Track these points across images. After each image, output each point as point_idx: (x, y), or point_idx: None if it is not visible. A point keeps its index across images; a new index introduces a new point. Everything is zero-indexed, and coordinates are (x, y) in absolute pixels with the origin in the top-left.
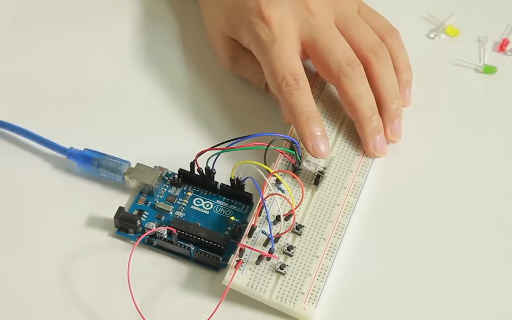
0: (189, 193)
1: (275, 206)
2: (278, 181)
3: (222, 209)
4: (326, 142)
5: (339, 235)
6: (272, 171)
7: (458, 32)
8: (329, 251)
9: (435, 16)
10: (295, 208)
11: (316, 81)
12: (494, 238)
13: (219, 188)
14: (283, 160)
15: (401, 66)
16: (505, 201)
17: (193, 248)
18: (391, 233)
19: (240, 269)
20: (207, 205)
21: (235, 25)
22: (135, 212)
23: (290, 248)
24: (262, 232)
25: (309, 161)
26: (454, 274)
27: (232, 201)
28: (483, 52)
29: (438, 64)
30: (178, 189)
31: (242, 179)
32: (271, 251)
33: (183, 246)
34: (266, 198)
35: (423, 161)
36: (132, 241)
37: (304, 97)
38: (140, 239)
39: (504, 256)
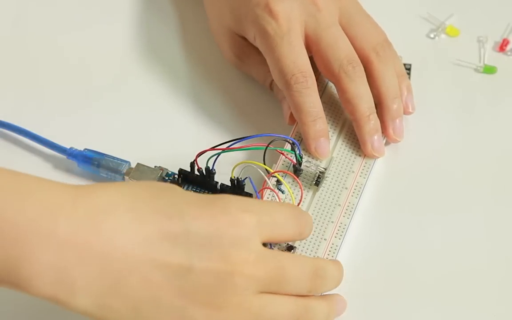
0: None
1: None
2: (279, 182)
3: None
4: (328, 143)
5: (340, 235)
6: (272, 171)
7: (458, 32)
8: (330, 251)
9: (435, 16)
10: None
11: (318, 82)
12: (496, 244)
13: (219, 188)
14: (284, 161)
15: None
16: (506, 202)
17: None
18: (393, 233)
19: None
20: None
21: (241, 19)
22: None
23: (290, 248)
24: None
25: (309, 162)
26: (458, 276)
27: None
28: (483, 52)
29: (438, 64)
30: None
31: (242, 179)
32: None
33: None
34: (263, 198)
35: (424, 161)
36: None
37: (312, 97)
38: None
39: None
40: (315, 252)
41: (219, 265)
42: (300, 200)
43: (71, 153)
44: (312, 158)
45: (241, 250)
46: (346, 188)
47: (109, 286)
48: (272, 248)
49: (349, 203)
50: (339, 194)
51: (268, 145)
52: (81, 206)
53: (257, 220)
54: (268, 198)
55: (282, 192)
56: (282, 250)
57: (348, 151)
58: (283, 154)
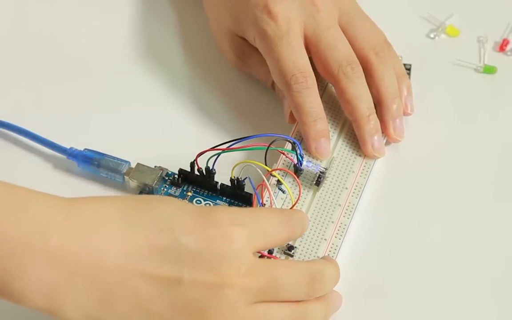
0: (189, 193)
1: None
2: (279, 182)
3: None
4: (328, 144)
5: (341, 235)
6: (270, 170)
7: (458, 32)
8: (330, 251)
9: (435, 16)
10: (291, 207)
11: (319, 82)
12: (496, 243)
13: (219, 188)
14: (284, 160)
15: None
16: (506, 201)
17: None
18: (393, 233)
19: None
20: (207, 205)
21: (240, 21)
22: None
23: (290, 248)
24: None
25: (310, 161)
26: (458, 275)
27: (232, 201)
28: (483, 52)
29: (438, 64)
30: (178, 189)
31: (242, 179)
32: (270, 252)
33: None
34: (263, 198)
35: (424, 161)
36: None
37: (312, 97)
38: None
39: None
40: (315, 252)
41: (209, 278)
42: (298, 198)
43: (71, 153)
44: (313, 158)
45: (232, 263)
46: (346, 188)
47: (99, 299)
48: (271, 250)
49: (349, 203)
50: (340, 194)
51: (270, 145)
52: (73, 219)
53: (248, 232)
54: (267, 198)
55: (283, 192)
56: (282, 250)
57: (349, 151)
58: (284, 154)
